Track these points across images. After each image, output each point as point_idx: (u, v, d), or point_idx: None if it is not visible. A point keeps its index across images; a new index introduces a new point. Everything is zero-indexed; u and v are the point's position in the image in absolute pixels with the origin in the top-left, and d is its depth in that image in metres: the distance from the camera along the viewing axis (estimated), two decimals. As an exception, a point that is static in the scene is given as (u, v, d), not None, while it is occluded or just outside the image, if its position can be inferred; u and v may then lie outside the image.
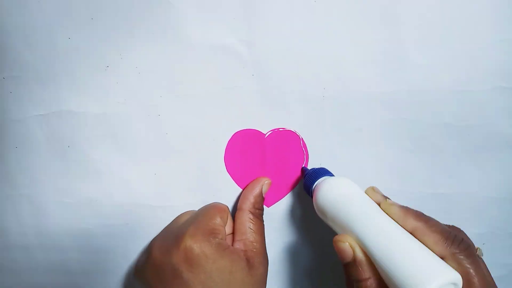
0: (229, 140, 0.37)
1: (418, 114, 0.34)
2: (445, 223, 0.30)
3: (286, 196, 0.39)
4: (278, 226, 0.39)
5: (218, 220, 0.33)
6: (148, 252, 0.35)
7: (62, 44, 0.34)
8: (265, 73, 0.35)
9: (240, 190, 0.38)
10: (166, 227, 0.37)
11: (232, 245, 0.34)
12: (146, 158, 0.36)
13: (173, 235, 0.33)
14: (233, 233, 0.36)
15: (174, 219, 0.37)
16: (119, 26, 0.34)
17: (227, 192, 0.38)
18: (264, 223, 0.37)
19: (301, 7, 0.34)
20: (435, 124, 0.36)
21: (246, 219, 0.35)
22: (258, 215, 0.36)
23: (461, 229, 0.30)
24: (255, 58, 0.35)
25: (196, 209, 0.38)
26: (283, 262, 0.40)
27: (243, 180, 0.38)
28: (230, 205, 0.38)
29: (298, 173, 0.38)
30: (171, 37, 0.34)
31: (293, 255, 0.40)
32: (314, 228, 0.39)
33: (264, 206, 0.38)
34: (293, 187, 0.38)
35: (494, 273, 0.28)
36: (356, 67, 0.35)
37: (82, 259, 0.38)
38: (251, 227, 0.35)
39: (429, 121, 0.36)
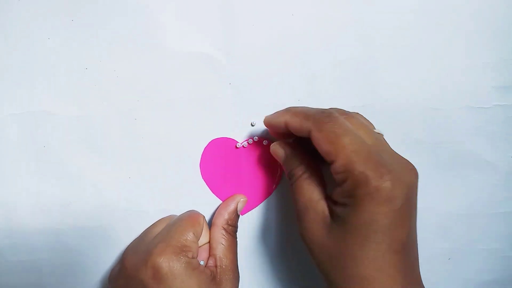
0: (205, 147, 0.37)
1: (389, 130, 0.35)
2: None
3: (260, 204, 0.39)
4: (252, 234, 0.40)
5: (190, 236, 0.33)
6: (121, 262, 0.35)
7: (41, 44, 0.34)
8: (242, 82, 0.36)
9: (215, 197, 0.38)
10: (140, 235, 0.37)
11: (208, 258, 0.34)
12: (121, 161, 0.36)
13: (144, 249, 0.33)
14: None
15: (149, 227, 0.37)
16: (99, 30, 0.34)
17: (202, 199, 0.38)
18: (238, 229, 0.37)
19: (278, 20, 0.35)
20: (405, 140, 0.37)
21: (219, 235, 0.35)
22: (231, 231, 0.36)
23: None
24: (232, 67, 0.35)
25: (171, 214, 0.38)
26: (256, 270, 0.40)
27: (218, 187, 0.38)
28: (205, 212, 0.38)
29: (272, 181, 0.38)
30: (150, 43, 0.34)
31: (267, 262, 0.40)
32: (289, 235, 0.39)
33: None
34: (267, 195, 0.39)
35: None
36: (329, 81, 0.36)
37: (53, 261, 0.38)
38: (223, 243, 0.35)
39: (400, 137, 0.36)
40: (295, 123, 0.31)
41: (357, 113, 0.32)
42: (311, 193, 0.31)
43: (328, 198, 0.30)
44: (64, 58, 0.34)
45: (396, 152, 0.30)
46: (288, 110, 0.32)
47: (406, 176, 0.27)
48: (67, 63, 0.35)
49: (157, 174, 0.37)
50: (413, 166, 0.28)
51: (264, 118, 0.34)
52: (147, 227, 0.37)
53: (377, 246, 0.26)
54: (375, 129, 0.31)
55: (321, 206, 0.30)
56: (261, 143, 0.37)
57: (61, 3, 0.34)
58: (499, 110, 0.36)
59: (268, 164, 0.38)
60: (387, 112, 0.36)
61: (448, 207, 0.39)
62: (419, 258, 0.29)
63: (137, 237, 0.37)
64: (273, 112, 0.34)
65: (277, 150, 0.34)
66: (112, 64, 0.35)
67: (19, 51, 0.34)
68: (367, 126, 0.30)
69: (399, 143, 0.35)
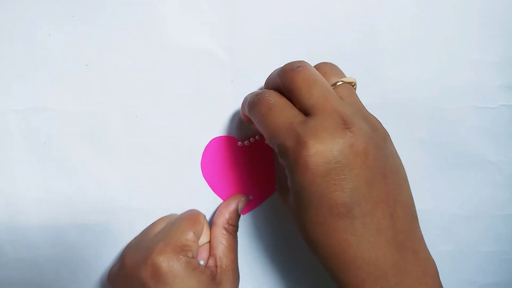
0: (206, 146, 0.37)
1: (392, 128, 0.34)
2: None
3: (262, 204, 0.39)
4: (253, 233, 0.39)
5: (190, 236, 0.33)
6: (121, 260, 0.35)
7: (42, 40, 0.34)
8: (245, 79, 0.36)
9: (216, 196, 0.38)
10: (141, 233, 0.37)
11: (208, 258, 0.34)
12: (122, 159, 0.36)
13: (144, 247, 0.33)
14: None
15: (150, 225, 0.37)
16: (101, 25, 0.34)
17: (203, 198, 0.38)
18: (239, 229, 0.37)
19: (281, 17, 0.35)
20: (408, 139, 0.36)
21: (219, 235, 0.35)
22: (232, 231, 0.36)
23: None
24: (235, 64, 0.35)
25: (172, 212, 0.37)
26: (257, 270, 0.40)
27: (220, 186, 0.38)
28: (206, 211, 0.38)
29: (274, 180, 0.38)
30: (152, 38, 0.34)
31: (268, 262, 0.40)
32: (290, 235, 0.39)
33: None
34: (269, 195, 0.38)
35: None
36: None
37: (53, 258, 0.38)
38: (223, 243, 0.35)
39: (403, 136, 0.36)
40: (242, 111, 0.32)
41: (324, 63, 0.31)
42: (278, 161, 0.32)
43: None
44: (65, 54, 0.34)
45: (348, 103, 0.28)
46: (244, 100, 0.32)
47: (333, 138, 0.25)
48: (68, 59, 0.34)
49: (158, 172, 0.37)
50: (351, 121, 0.26)
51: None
52: (148, 225, 0.37)
53: (317, 211, 0.26)
54: (344, 77, 0.30)
55: (284, 173, 0.29)
56: (263, 141, 0.37)
57: (62, -1, 0.33)
58: (505, 110, 0.36)
59: (270, 163, 0.38)
60: (390, 110, 0.36)
61: (451, 208, 0.39)
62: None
63: (138, 236, 0.37)
64: None
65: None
66: (113, 61, 0.35)
67: (20, 48, 0.34)
68: (330, 76, 0.30)
69: (402, 142, 0.35)
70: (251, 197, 0.38)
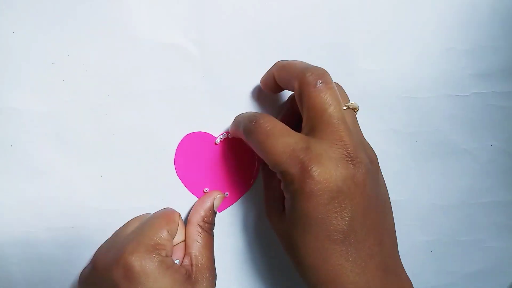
0: (179, 143, 0.36)
1: (366, 119, 0.34)
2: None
3: (238, 201, 0.38)
4: (229, 231, 0.39)
5: (164, 234, 0.32)
6: (92, 262, 0.34)
7: (5, 38, 0.33)
8: (216, 74, 0.35)
9: (191, 194, 0.37)
10: (113, 234, 0.36)
11: (184, 257, 0.34)
12: (92, 159, 0.35)
13: (116, 248, 0.32)
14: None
15: (123, 226, 0.36)
16: (66, 21, 0.33)
17: (177, 196, 0.37)
18: (216, 227, 0.36)
19: (252, 9, 0.34)
20: (382, 130, 0.36)
21: (194, 233, 0.34)
22: (207, 229, 0.35)
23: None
24: (206, 58, 0.35)
25: (146, 212, 0.36)
26: (235, 269, 0.40)
27: (194, 184, 0.37)
28: (181, 209, 0.37)
29: (250, 177, 0.37)
30: (120, 34, 0.33)
31: (245, 259, 0.40)
32: (267, 232, 0.39)
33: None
34: (245, 191, 0.38)
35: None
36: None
37: (23, 262, 0.36)
38: (199, 241, 0.34)
39: (377, 127, 0.36)
40: (235, 134, 0.33)
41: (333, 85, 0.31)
42: (269, 183, 0.33)
43: None
44: (30, 52, 0.33)
45: (356, 133, 0.29)
46: (233, 121, 0.34)
47: (337, 169, 0.26)
48: (33, 57, 0.33)
49: (129, 172, 0.36)
50: (356, 154, 0.27)
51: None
52: (120, 226, 0.36)
53: (315, 237, 0.27)
54: (348, 102, 0.30)
55: (277, 193, 0.32)
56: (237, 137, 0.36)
57: (25, -5, 0.32)
58: (477, 97, 0.36)
59: (245, 158, 0.37)
60: (363, 101, 0.36)
61: (427, 198, 0.39)
62: (401, 251, 0.29)
63: (110, 237, 0.36)
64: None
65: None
66: (80, 58, 0.34)
67: (-18, 46, 0.33)
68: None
69: (376, 132, 0.35)
70: (227, 194, 0.37)
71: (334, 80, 0.32)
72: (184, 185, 0.37)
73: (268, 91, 0.35)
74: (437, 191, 0.38)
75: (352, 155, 0.27)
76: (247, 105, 0.36)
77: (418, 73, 0.36)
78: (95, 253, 0.35)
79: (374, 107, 0.36)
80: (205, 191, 0.37)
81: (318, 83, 0.28)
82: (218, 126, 0.36)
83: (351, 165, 0.27)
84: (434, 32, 0.35)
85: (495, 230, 0.40)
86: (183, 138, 0.36)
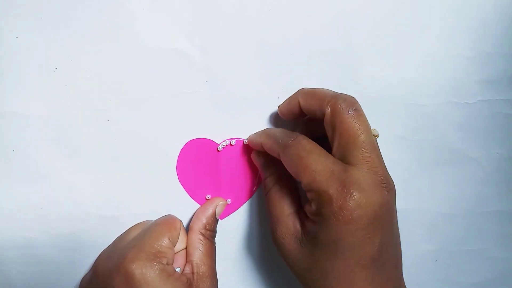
0: (182, 149, 0.36)
1: (372, 127, 0.34)
2: None
3: (240, 208, 0.38)
4: (231, 239, 0.38)
5: (165, 242, 0.32)
6: (93, 269, 0.34)
7: (9, 43, 0.33)
8: (219, 79, 0.35)
9: (193, 201, 0.37)
10: (114, 241, 0.36)
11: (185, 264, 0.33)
12: (94, 165, 0.35)
13: (117, 255, 0.32)
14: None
15: (124, 232, 0.36)
16: (70, 27, 0.33)
17: (179, 203, 0.37)
18: (217, 234, 0.36)
19: (255, 14, 0.34)
20: (387, 137, 0.36)
21: (196, 240, 0.34)
22: (209, 236, 0.35)
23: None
24: (208, 64, 0.34)
25: (147, 219, 0.36)
26: (236, 277, 0.39)
27: (196, 191, 0.37)
28: (182, 216, 0.36)
29: (252, 184, 0.37)
30: (123, 39, 0.33)
31: (247, 267, 0.39)
32: (270, 240, 0.38)
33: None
34: (247, 198, 0.38)
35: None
36: (308, 76, 0.35)
37: (24, 268, 0.36)
38: (200, 249, 0.34)
39: (382, 134, 0.36)
40: (268, 146, 0.32)
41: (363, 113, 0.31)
42: (282, 207, 0.32)
43: (301, 210, 0.31)
44: (33, 57, 0.33)
45: (382, 159, 0.29)
46: (264, 132, 0.34)
47: (375, 194, 0.27)
48: (36, 62, 0.33)
49: (131, 178, 0.36)
50: (388, 181, 0.28)
51: (248, 137, 0.36)
52: (122, 233, 0.36)
53: (345, 262, 0.27)
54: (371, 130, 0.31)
55: (292, 220, 0.31)
56: (240, 143, 0.36)
57: (29, 0, 0.32)
58: (483, 105, 0.36)
59: (248, 165, 0.37)
60: (369, 108, 0.35)
61: (432, 207, 0.38)
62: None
63: (111, 244, 0.36)
64: (254, 132, 0.36)
65: (255, 157, 0.35)
66: (83, 63, 0.34)
67: (-14, 51, 0.33)
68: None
69: (381, 140, 0.35)
70: (229, 201, 0.37)
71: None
72: (186, 191, 0.36)
73: (287, 117, 0.35)
74: (442, 200, 0.38)
75: (386, 182, 0.28)
76: (250, 111, 0.36)
77: (423, 79, 0.35)
78: (96, 260, 0.35)
79: (379, 114, 0.36)
80: (207, 198, 0.37)
81: (351, 110, 0.29)
82: (221, 133, 0.36)
83: (386, 191, 0.27)
84: (440, 38, 0.35)
85: (501, 239, 0.39)
86: (185, 144, 0.36)
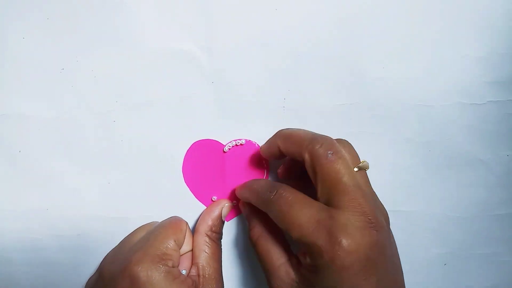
0: (188, 150, 0.36)
1: (378, 128, 0.34)
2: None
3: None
4: (238, 241, 0.38)
5: (171, 244, 0.31)
6: (98, 271, 0.34)
7: (15, 44, 0.33)
8: (225, 81, 0.35)
9: (199, 203, 0.37)
10: (120, 243, 0.36)
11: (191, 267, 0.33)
12: (99, 166, 0.35)
13: (122, 257, 0.32)
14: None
15: (130, 235, 0.36)
16: (76, 28, 0.33)
17: (185, 205, 0.36)
18: (224, 236, 0.36)
19: (262, 15, 0.34)
20: (395, 139, 0.36)
21: (202, 243, 0.34)
22: (215, 238, 0.35)
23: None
24: (214, 66, 0.34)
25: (153, 220, 0.36)
26: (242, 280, 0.39)
27: (202, 192, 0.37)
28: (188, 218, 0.36)
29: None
30: (128, 41, 0.33)
31: (253, 270, 0.39)
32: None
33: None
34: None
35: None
36: (315, 78, 0.35)
37: (29, 270, 0.36)
38: (206, 251, 0.34)
39: (390, 137, 0.35)
40: (253, 201, 0.33)
41: (342, 143, 0.31)
42: (270, 259, 0.32)
43: (292, 258, 0.31)
44: (39, 58, 0.33)
45: (370, 196, 0.29)
46: (247, 186, 0.34)
47: (364, 236, 0.27)
48: (42, 63, 0.33)
49: (137, 179, 0.36)
50: (377, 219, 0.28)
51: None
52: (127, 235, 0.36)
53: None
54: (360, 162, 0.31)
55: (284, 271, 0.31)
56: (247, 145, 0.36)
57: (35, 1, 0.32)
58: (493, 106, 0.35)
59: (254, 166, 0.37)
60: (376, 110, 0.35)
61: (441, 210, 0.38)
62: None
63: (116, 246, 0.36)
64: (264, 142, 0.35)
65: (241, 207, 0.36)
66: (89, 64, 0.34)
67: (-8, 52, 0.33)
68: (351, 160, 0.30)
69: (389, 142, 0.34)
70: (235, 203, 0.37)
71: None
72: (192, 193, 0.36)
73: (270, 159, 0.35)
74: (451, 203, 0.38)
75: (374, 222, 0.27)
76: (256, 113, 0.35)
77: (431, 81, 0.35)
78: (101, 262, 0.35)
79: (387, 116, 0.36)
80: (213, 200, 0.37)
81: (329, 155, 0.29)
82: (227, 134, 0.36)
83: (374, 231, 0.27)
84: (448, 39, 0.35)
85: (511, 243, 0.39)
86: (191, 146, 0.36)
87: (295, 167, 0.34)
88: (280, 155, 0.33)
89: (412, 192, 0.36)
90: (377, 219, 0.28)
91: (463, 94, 0.35)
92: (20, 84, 0.34)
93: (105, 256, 0.35)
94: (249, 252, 0.38)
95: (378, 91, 0.35)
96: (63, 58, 0.33)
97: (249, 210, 0.34)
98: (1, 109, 0.34)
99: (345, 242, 0.26)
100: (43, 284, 0.37)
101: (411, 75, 0.35)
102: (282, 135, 0.33)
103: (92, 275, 0.36)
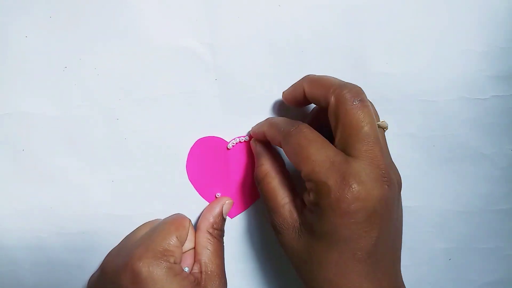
0: (191, 147, 0.36)
1: (381, 119, 0.34)
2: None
3: (250, 207, 0.38)
4: (241, 238, 0.38)
5: (173, 240, 0.31)
6: (101, 267, 0.34)
7: (18, 42, 0.33)
8: (229, 77, 0.35)
9: (202, 199, 0.37)
10: (123, 239, 0.36)
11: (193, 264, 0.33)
12: (103, 164, 0.35)
13: (124, 253, 0.32)
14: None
15: (133, 231, 0.36)
16: (79, 26, 0.33)
17: (189, 202, 0.36)
18: (227, 233, 0.36)
19: (265, 11, 0.34)
20: (399, 134, 0.36)
21: (204, 240, 0.34)
22: (217, 235, 0.34)
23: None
24: (218, 62, 0.34)
25: (157, 217, 0.36)
26: (245, 276, 0.39)
27: (206, 189, 0.37)
28: (192, 215, 0.36)
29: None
30: (132, 38, 0.33)
31: (256, 267, 0.39)
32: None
33: (227, 217, 0.36)
34: (257, 197, 0.37)
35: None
36: (319, 73, 0.34)
37: (34, 268, 0.36)
38: (209, 248, 0.34)
39: (393, 131, 0.35)
40: (270, 135, 0.32)
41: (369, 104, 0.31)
42: (275, 197, 0.31)
43: (297, 199, 0.31)
44: (42, 56, 0.33)
45: (387, 153, 0.29)
46: (267, 121, 0.33)
47: (375, 188, 0.26)
48: (45, 61, 0.33)
49: (141, 176, 0.36)
50: (390, 175, 0.27)
51: (252, 128, 0.35)
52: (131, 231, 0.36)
53: (340, 254, 0.27)
54: (379, 121, 0.30)
55: (288, 210, 0.31)
56: (249, 142, 0.36)
57: (38, -1, 0.32)
58: (496, 101, 0.36)
59: (258, 163, 0.36)
60: (379, 104, 0.35)
61: (445, 204, 0.38)
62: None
63: (120, 242, 0.36)
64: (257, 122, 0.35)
65: (252, 145, 0.35)
66: (92, 62, 0.34)
67: (-5, 50, 0.33)
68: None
69: (392, 137, 0.34)
70: (232, 201, 0.36)
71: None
72: (196, 189, 0.36)
73: (291, 104, 0.34)
74: (455, 197, 0.38)
75: (387, 176, 0.27)
76: (260, 109, 0.36)
77: (435, 75, 0.35)
78: (104, 258, 0.35)
79: (390, 110, 0.36)
80: (217, 196, 0.37)
81: (356, 101, 0.28)
82: (231, 131, 0.36)
83: (386, 185, 0.27)
84: (451, 33, 0.35)
85: (515, 237, 0.39)
86: (195, 143, 0.36)
87: (318, 121, 0.33)
88: (303, 100, 0.32)
89: (415, 187, 0.36)
90: (390, 175, 0.27)
91: (466, 89, 0.35)
92: (23, 83, 0.34)
93: (108, 253, 0.35)
94: (253, 249, 0.38)
95: (382, 86, 0.35)
96: (66, 56, 0.33)
97: (260, 147, 0.34)
98: (4, 107, 0.34)
99: (355, 187, 0.26)
100: (47, 282, 0.37)
101: (414, 70, 0.35)
102: (310, 78, 0.32)
103: (95, 272, 0.36)
